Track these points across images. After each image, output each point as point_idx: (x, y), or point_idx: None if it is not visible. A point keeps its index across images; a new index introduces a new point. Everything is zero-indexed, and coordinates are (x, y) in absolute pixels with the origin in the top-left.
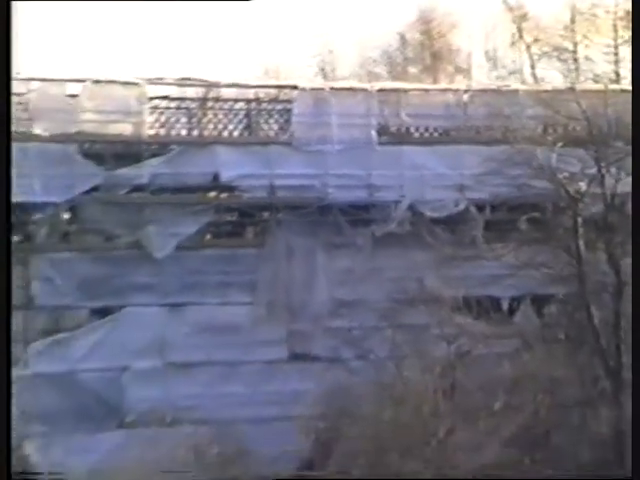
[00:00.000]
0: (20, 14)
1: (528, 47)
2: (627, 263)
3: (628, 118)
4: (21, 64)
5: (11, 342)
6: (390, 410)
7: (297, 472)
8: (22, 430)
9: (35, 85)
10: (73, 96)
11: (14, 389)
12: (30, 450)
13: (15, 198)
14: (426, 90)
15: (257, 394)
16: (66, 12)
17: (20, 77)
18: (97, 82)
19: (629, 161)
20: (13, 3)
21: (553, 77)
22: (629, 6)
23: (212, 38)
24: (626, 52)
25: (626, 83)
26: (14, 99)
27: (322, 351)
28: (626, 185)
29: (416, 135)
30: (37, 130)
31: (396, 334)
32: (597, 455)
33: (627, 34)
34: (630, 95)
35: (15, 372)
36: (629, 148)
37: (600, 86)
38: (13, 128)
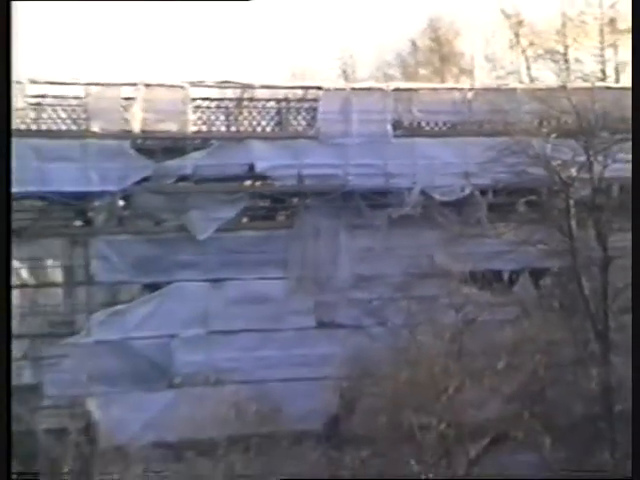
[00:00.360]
0: (74, 22)
1: (524, 50)
2: (613, 239)
3: (613, 112)
4: (78, 69)
5: (11, 342)
6: (405, 371)
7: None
8: (84, 390)
9: (94, 89)
10: (127, 98)
11: (78, 354)
12: (92, 407)
13: (77, 188)
14: (435, 89)
15: (289, 358)
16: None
17: (79, 82)
18: (148, 85)
19: (614, 149)
20: (13, 3)
21: (547, 77)
22: (614, 14)
23: (244, 45)
24: (611, 54)
25: (611, 81)
26: (74, 102)
27: (346, 319)
28: (612, 171)
29: (427, 129)
30: (95, 128)
31: (410, 304)
32: (588, 409)
33: (612, 38)
34: (615, 91)
35: (79, 339)
36: (614, 138)
37: (588, 84)
38: (73, 127)
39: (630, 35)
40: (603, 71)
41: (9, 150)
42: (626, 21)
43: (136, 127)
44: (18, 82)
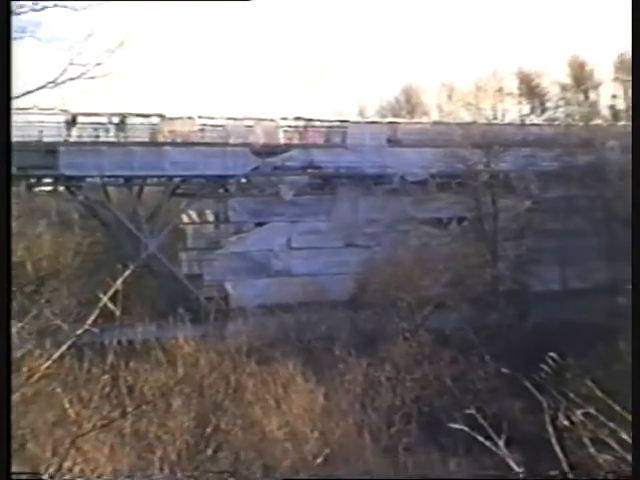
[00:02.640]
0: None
1: (455, 103)
2: (500, 201)
3: (500, 136)
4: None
5: (11, 344)
6: (390, 269)
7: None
8: (224, 277)
9: (230, 122)
10: (247, 126)
11: (221, 258)
12: (228, 286)
13: (220, 172)
14: (409, 122)
15: (330, 263)
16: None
17: (222, 117)
18: (257, 119)
19: (501, 155)
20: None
21: (466, 117)
22: (502, 85)
23: (305, 98)
24: (500, 106)
25: (499, 121)
26: (220, 128)
27: (360, 242)
28: (499, 167)
29: (404, 143)
30: (230, 141)
31: (394, 234)
32: (485, 289)
33: (500, 98)
34: (501, 126)
35: (222, 251)
36: (500, 149)
37: (487, 121)
38: (219, 141)
39: (512, 97)
40: (495, 115)
41: (9, 150)
42: (509, 88)
43: (253, 140)
44: (190, 117)
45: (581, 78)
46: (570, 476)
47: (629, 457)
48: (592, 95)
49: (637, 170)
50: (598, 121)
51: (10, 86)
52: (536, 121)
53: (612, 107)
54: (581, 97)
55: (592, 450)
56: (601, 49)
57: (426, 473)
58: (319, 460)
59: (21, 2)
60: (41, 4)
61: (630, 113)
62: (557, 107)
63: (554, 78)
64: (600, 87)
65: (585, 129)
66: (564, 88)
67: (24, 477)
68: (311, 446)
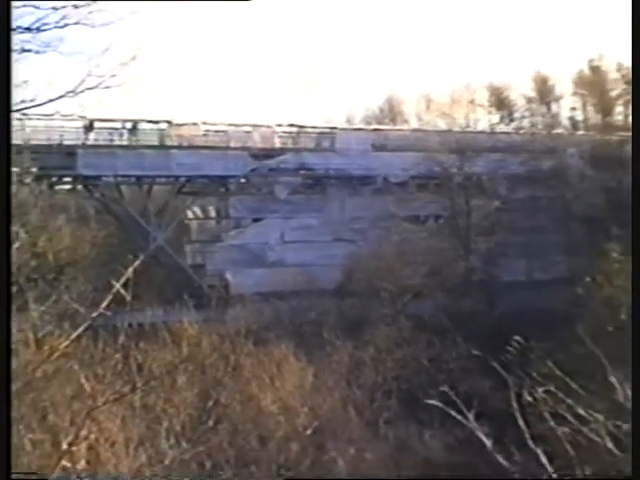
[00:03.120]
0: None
1: (432, 113)
2: (473, 201)
3: (473, 143)
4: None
5: (11, 343)
6: (374, 261)
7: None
8: (224, 267)
9: (230, 127)
10: (246, 132)
11: (222, 250)
12: (228, 275)
13: (222, 173)
14: (392, 129)
15: (320, 255)
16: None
17: (224, 123)
18: (253, 126)
19: (474, 159)
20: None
21: (442, 125)
22: (474, 97)
23: (299, 108)
24: (473, 116)
25: (472, 129)
26: (222, 133)
27: (346, 237)
28: (472, 170)
29: (388, 148)
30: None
31: (378, 230)
32: (460, 279)
33: (472, 109)
34: (474, 134)
35: (222, 244)
36: (473, 154)
37: (460, 129)
38: (221, 145)
39: (483, 108)
40: (468, 123)
41: (9, 150)
42: (480, 100)
43: (251, 144)
44: (195, 123)
45: (544, 92)
46: (569, 477)
47: (584, 429)
48: (554, 107)
49: (637, 169)
50: (559, 130)
51: (10, 89)
52: (504, 129)
53: (572, 118)
54: (544, 109)
55: (552, 423)
56: (562, 66)
57: (404, 443)
58: (309, 432)
59: (44, 20)
60: (63, 22)
61: (587, 124)
62: (523, 117)
63: (521, 91)
64: (561, 100)
65: (548, 137)
66: (529, 100)
67: (24, 477)
68: (302, 419)
